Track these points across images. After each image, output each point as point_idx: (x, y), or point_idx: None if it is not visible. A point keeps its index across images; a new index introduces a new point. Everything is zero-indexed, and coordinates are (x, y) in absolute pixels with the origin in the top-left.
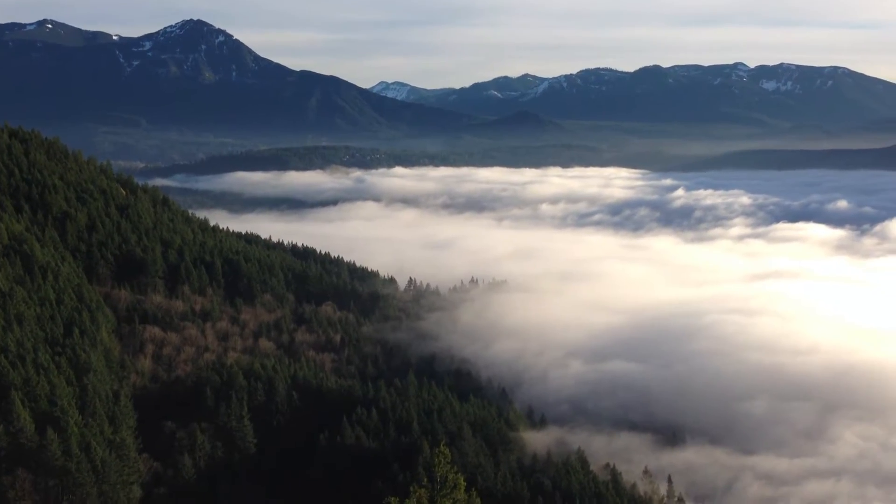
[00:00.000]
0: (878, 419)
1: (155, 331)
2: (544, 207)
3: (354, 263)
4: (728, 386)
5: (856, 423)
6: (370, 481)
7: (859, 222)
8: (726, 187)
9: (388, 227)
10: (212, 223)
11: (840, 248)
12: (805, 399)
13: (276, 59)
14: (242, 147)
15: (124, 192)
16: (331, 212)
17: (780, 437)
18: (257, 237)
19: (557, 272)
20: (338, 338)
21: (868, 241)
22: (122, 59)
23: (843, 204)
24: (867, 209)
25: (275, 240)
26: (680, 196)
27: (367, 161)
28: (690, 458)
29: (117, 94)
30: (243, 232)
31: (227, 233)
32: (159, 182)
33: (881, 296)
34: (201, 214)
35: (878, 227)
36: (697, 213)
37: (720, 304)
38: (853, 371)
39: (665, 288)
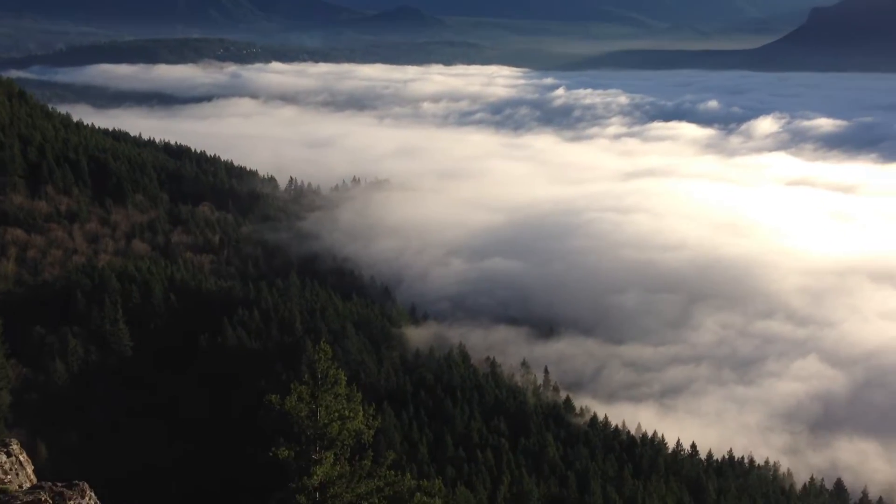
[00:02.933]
0: (738, 308)
1: (17, 233)
2: (426, 106)
3: (232, 162)
4: (602, 281)
5: (717, 312)
6: (253, 381)
7: (727, 122)
8: (605, 87)
9: (267, 124)
10: (75, 119)
11: (709, 146)
12: (672, 291)
13: None
14: (106, 37)
15: None
16: (205, 108)
17: (648, 327)
18: (126, 134)
19: (439, 171)
20: (216, 238)
21: (734, 140)
22: None
23: (713, 104)
24: (735, 109)
25: (145, 137)
26: (560, 95)
27: (243, 56)
28: (564, 348)
29: None
30: (110, 129)
31: (93, 129)
32: (14, 74)
33: (744, 192)
34: (63, 109)
35: (744, 126)
36: (577, 113)
37: (597, 203)
38: (716, 264)
39: (544, 186)
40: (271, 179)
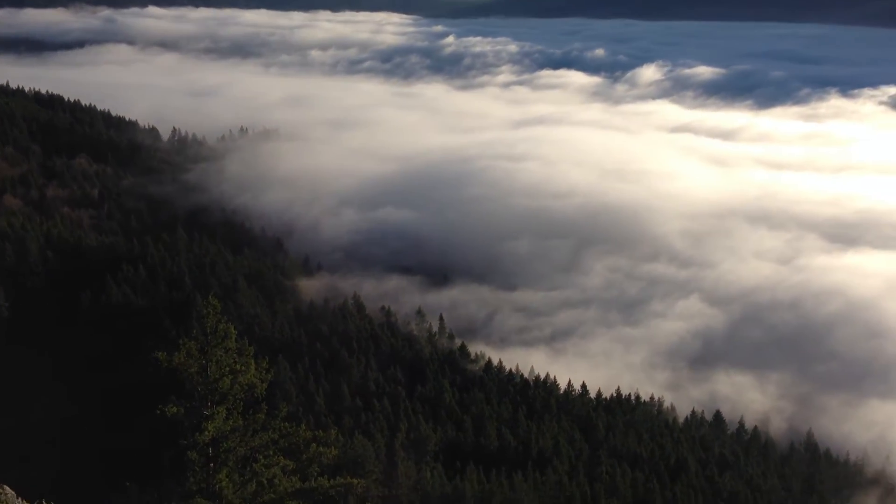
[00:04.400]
0: (625, 251)
1: None
2: (314, 54)
3: (109, 112)
4: (494, 229)
5: (605, 257)
6: (141, 339)
7: (613, 70)
8: (494, 35)
9: (146, 72)
10: None
11: (596, 94)
12: (563, 237)
13: None
14: None
15: None
16: (78, 55)
17: (539, 273)
18: None
19: (329, 120)
20: (95, 192)
21: (620, 88)
22: None
23: (599, 52)
24: (621, 57)
25: (13, 86)
26: (450, 44)
27: None
28: (457, 296)
29: None
30: None
31: None
32: None
33: (630, 139)
34: None
35: (629, 74)
36: (467, 61)
37: (489, 151)
38: (605, 210)
39: (436, 135)
40: (152, 130)
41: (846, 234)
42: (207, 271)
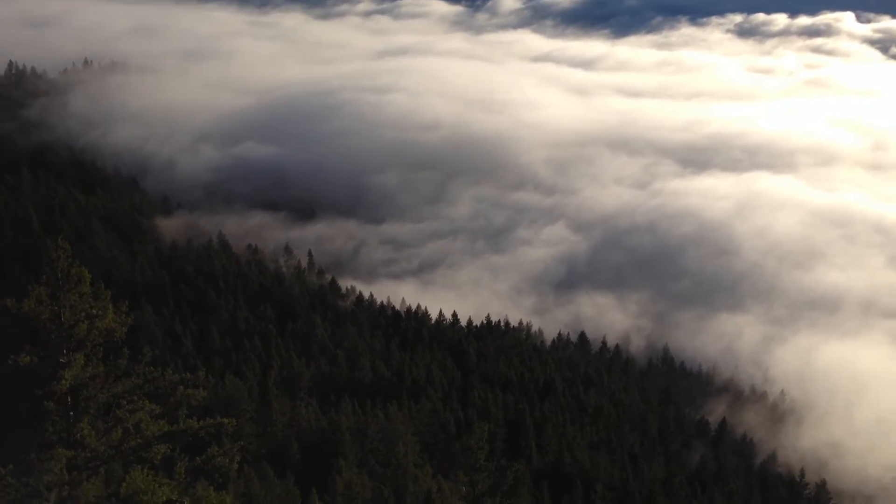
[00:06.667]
0: (491, 181)
1: None
2: None
3: None
4: (361, 162)
5: (472, 187)
6: None
7: None
8: None
9: None
10: None
11: (457, 23)
12: (430, 169)
13: None
14: None
15: None
16: None
17: (406, 205)
18: None
19: (181, 51)
20: None
21: (481, 17)
22: None
23: None
24: None
25: None
26: None
27: None
28: (323, 231)
29: None
30: None
31: None
32: None
33: (493, 69)
34: None
35: (489, 3)
36: None
37: (351, 83)
38: (470, 141)
39: (296, 67)
40: None
41: (698, 158)
42: (57, 213)
